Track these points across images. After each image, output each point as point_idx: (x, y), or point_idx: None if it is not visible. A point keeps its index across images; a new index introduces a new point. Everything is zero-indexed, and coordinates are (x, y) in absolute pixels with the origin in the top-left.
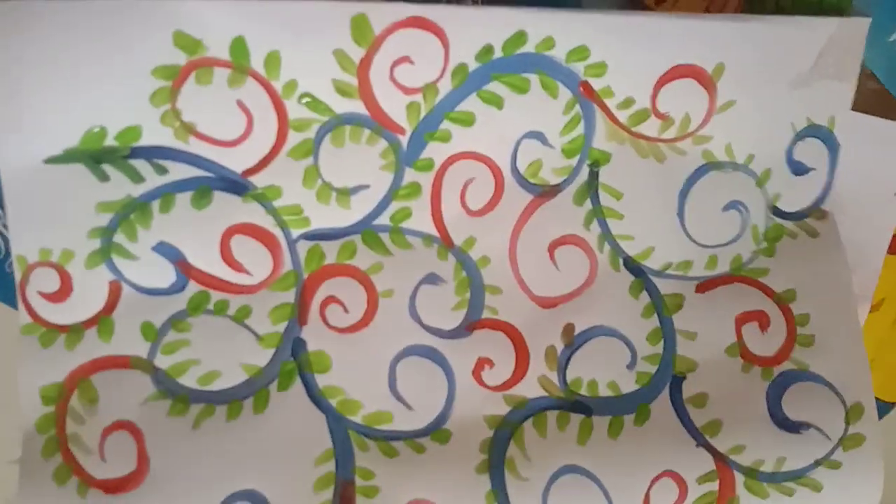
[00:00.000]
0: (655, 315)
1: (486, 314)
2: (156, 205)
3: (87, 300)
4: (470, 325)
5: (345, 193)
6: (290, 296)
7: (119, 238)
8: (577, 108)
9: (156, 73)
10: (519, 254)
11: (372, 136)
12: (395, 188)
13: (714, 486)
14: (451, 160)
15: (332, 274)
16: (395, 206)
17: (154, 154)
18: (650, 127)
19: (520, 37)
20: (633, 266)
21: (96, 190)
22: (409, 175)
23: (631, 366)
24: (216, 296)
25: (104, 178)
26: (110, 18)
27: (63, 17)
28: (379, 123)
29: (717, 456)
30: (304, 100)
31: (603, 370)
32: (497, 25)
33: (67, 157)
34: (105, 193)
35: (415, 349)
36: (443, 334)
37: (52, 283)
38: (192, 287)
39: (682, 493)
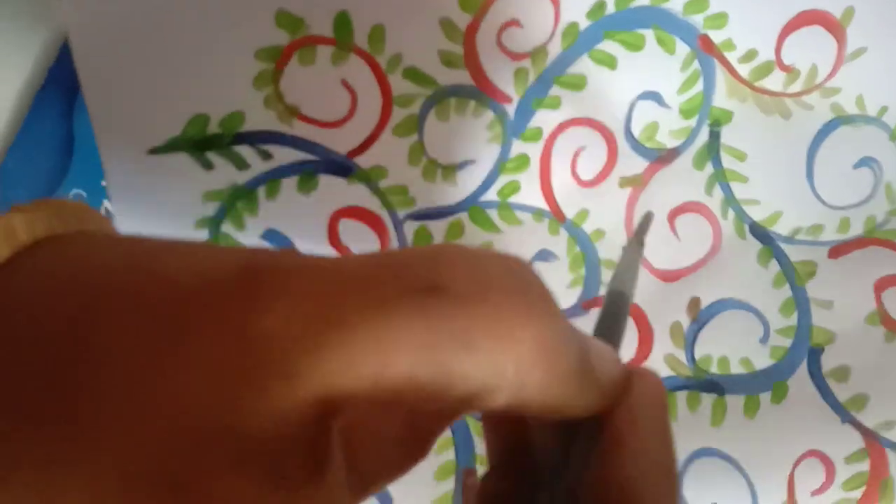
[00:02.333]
0: (787, 284)
1: (603, 291)
2: (262, 191)
3: None
4: (587, 303)
5: (451, 169)
6: None
7: (227, 227)
8: (696, 63)
9: (259, 55)
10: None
11: (478, 107)
12: (502, 161)
13: (864, 465)
14: (561, 128)
15: None
16: (502, 180)
17: (258, 139)
18: (774, 80)
19: None
20: (759, 232)
21: (201, 178)
22: (517, 146)
23: (764, 340)
24: None
25: (209, 166)
26: (211, 1)
27: (163, 1)
28: (485, 93)
29: (866, 433)
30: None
31: (734, 346)
32: None
33: (171, 146)
34: (210, 182)
35: None
36: None
37: None
38: None
39: (829, 474)
